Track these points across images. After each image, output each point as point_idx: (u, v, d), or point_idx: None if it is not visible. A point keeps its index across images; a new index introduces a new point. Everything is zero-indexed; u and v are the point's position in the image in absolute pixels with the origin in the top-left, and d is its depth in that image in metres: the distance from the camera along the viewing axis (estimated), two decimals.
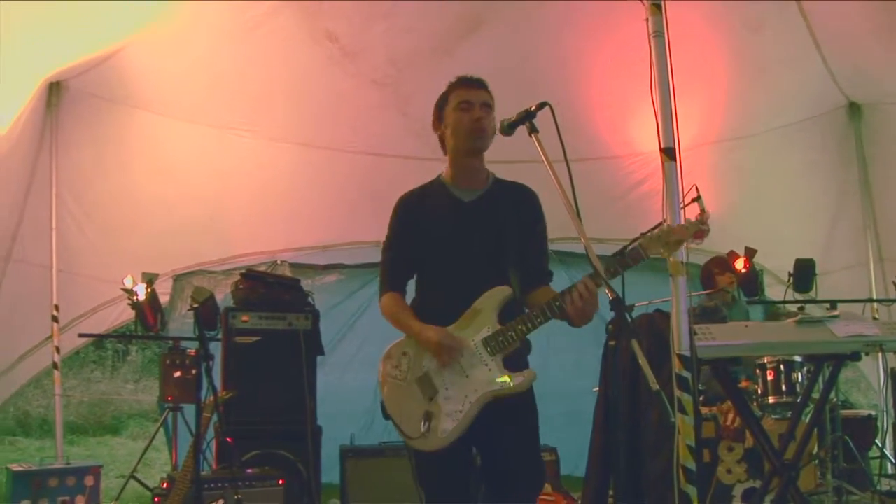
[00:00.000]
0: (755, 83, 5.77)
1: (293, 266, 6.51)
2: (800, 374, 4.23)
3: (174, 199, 5.88)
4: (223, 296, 5.60)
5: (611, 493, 4.25)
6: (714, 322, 3.93)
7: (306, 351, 4.73)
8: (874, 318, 5.55)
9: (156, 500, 4.00)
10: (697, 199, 3.05)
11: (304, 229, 6.56)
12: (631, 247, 2.44)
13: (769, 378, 4.27)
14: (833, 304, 4.83)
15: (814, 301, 5.56)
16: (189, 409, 4.91)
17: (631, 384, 4.10)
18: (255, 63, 5.33)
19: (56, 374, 5.40)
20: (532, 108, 2.42)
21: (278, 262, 6.52)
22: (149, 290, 5.49)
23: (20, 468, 4.75)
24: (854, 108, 6.19)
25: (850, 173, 6.36)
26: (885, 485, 5.07)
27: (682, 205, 3.04)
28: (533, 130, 2.40)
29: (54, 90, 5.25)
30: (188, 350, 5.19)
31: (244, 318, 4.75)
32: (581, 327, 2.42)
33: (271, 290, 4.97)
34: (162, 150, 5.76)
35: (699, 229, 2.50)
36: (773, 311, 5.97)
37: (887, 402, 5.56)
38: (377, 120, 5.91)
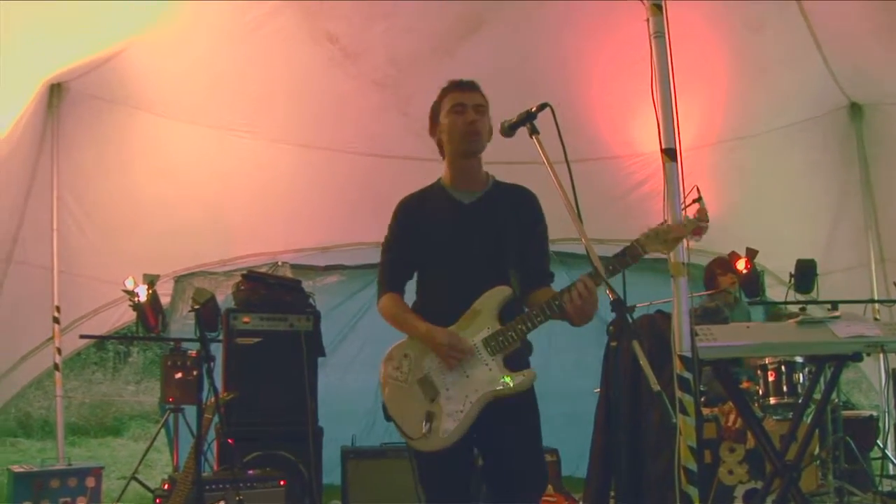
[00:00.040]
0: (756, 83, 5.76)
1: (294, 267, 6.52)
2: (801, 375, 4.21)
3: (175, 200, 5.88)
4: (224, 297, 5.60)
5: (612, 494, 4.25)
6: (716, 323, 3.94)
7: (307, 352, 4.74)
8: (875, 319, 5.52)
9: (157, 501, 4.01)
10: (698, 200, 3.04)
11: (304, 230, 6.56)
12: (630, 245, 2.43)
13: (770, 379, 4.25)
14: (834, 304, 4.81)
15: (815, 302, 5.54)
16: (190, 411, 4.91)
17: (632, 385, 4.10)
18: (256, 64, 5.33)
19: (57, 375, 5.41)
20: (533, 110, 2.42)
21: (279, 263, 6.53)
22: (150, 291, 5.49)
23: (21, 469, 4.74)
24: (855, 109, 6.18)
25: (851, 174, 6.35)
26: (886, 486, 5.06)
27: (683, 205, 3.04)
28: (534, 132, 2.40)
29: (55, 92, 5.26)
30: (189, 351, 5.19)
31: (245, 319, 4.75)
32: (581, 326, 2.42)
33: (272, 291, 4.97)
34: (163, 151, 5.76)
35: (697, 226, 2.50)
36: (774, 312, 5.95)
37: (889, 402, 5.54)
38: (378, 120, 5.91)
